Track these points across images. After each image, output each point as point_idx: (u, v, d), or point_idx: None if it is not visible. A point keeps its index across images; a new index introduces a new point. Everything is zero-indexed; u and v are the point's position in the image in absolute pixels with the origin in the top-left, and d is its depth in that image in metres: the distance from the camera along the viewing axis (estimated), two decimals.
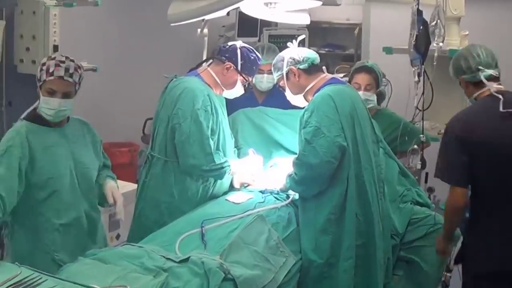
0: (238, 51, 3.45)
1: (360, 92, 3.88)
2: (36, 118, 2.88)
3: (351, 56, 7.35)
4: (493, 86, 2.96)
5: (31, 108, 2.95)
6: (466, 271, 3.10)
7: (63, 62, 2.85)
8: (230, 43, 3.53)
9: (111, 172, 3.26)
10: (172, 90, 3.39)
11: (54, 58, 2.86)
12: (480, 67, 2.99)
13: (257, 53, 3.53)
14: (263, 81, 3.81)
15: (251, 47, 3.55)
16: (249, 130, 3.78)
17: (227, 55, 3.45)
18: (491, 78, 2.99)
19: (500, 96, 2.89)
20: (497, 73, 3.02)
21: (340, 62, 6.72)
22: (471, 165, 2.88)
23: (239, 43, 3.53)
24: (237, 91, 3.51)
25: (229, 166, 3.41)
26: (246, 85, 3.53)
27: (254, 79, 3.78)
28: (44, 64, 2.84)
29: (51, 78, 2.82)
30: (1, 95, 5.55)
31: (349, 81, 4.00)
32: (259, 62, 3.53)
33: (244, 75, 3.46)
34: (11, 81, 5.60)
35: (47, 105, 2.85)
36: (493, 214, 2.92)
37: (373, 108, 3.99)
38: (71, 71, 2.84)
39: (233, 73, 3.45)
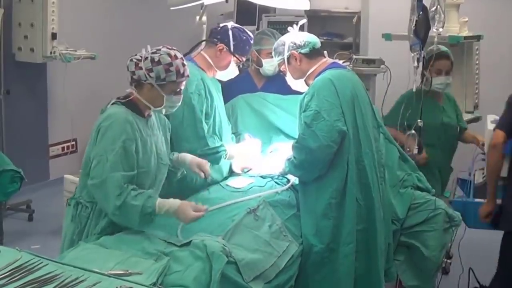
0: (230, 32, 3.39)
1: (443, 77, 4.14)
2: (134, 107, 2.81)
3: (350, 45, 7.35)
4: None
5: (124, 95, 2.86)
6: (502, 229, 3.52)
7: (183, 58, 2.85)
8: (221, 24, 3.47)
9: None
10: None
11: (176, 57, 2.80)
12: None
13: (249, 33, 3.46)
14: (275, 66, 3.66)
15: (242, 27, 3.47)
16: (248, 116, 3.75)
17: (218, 36, 3.40)
18: None
19: None
20: None
21: (338, 51, 6.69)
22: None
23: (230, 23, 3.47)
24: (231, 72, 3.46)
25: (225, 150, 3.38)
26: (241, 66, 3.49)
27: (264, 64, 3.74)
28: (170, 64, 2.76)
29: (182, 79, 2.83)
30: None
31: (426, 67, 4.01)
32: (251, 42, 3.46)
33: (237, 56, 3.40)
34: (9, 69, 5.60)
35: (172, 103, 2.85)
36: None
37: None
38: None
39: (226, 55, 3.39)
